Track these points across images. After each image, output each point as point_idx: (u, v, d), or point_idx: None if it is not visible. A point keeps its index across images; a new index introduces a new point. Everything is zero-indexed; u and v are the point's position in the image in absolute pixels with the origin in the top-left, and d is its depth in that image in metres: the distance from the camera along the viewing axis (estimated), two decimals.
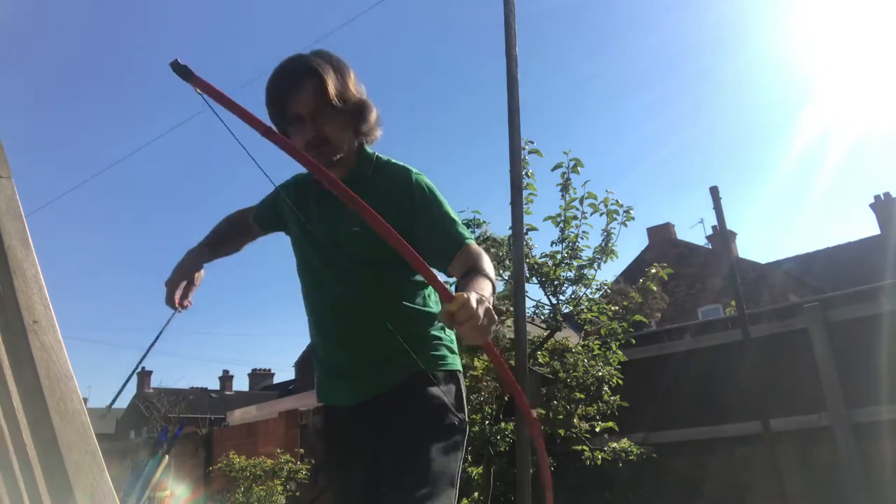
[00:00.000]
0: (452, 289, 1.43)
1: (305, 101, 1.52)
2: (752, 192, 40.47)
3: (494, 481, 4.80)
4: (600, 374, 4.90)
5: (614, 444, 5.12)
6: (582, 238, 4.81)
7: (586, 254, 4.83)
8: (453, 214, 1.59)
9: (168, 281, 1.79)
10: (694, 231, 48.17)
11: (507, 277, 5.00)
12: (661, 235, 21.34)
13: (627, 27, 47.23)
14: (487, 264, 1.45)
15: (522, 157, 4.10)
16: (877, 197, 22.55)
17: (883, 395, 4.93)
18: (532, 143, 4.45)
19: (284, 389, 30.02)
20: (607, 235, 4.87)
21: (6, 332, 1.19)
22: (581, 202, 4.76)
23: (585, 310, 4.86)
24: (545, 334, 5.02)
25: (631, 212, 4.86)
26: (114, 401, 1.93)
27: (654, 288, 5.27)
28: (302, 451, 8.42)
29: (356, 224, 1.53)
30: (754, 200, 39.29)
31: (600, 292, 5.09)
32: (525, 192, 4.21)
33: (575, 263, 4.81)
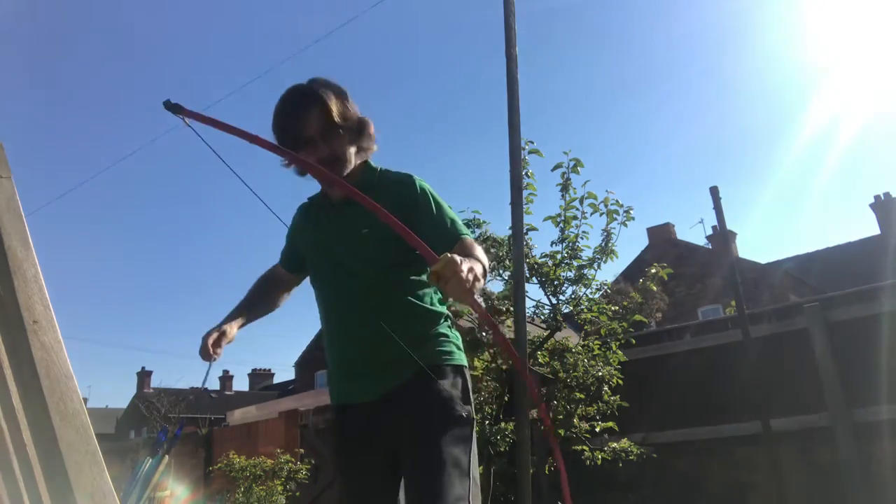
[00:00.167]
0: None
1: (314, 125, 1.68)
2: (752, 192, 40.48)
3: (494, 481, 4.80)
4: (600, 374, 4.89)
5: (614, 444, 5.12)
6: (582, 238, 4.81)
7: (586, 254, 4.83)
8: (452, 214, 1.73)
9: (204, 335, 1.83)
10: (694, 231, 48.18)
11: (507, 277, 5.00)
12: (661, 235, 21.34)
13: (628, 27, 47.25)
14: (480, 254, 1.57)
15: (522, 157, 4.10)
16: (877, 197, 22.56)
17: (883, 395, 4.92)
18: (532, 143, 4.45)
19: (284, 389, 30.03)
20: (607, 235, 4.87)
21: (6, 332, 1.19)
22: (581, 202, 4.76)
23: (585, 310, 4.86)
24: (545, 334, 5.02)
25: (631, 212, 4.86)
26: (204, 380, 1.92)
27: (654, 288, 5.27)
28: (302, 451, 8.41)
29: (365, 226, 1.66)
30: (754, 200, 39.30)
31: (600, 292, 5.09)
32: (525, 192, 4.21)
33: (575, 263, 4.81)
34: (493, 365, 4.84)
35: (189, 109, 1.49)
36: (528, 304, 4.56)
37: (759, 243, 43.07)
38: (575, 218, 4.78)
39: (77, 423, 1.15)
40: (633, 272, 15.27)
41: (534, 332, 4.97)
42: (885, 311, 5.16)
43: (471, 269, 1.29)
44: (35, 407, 1.14)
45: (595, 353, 5.03)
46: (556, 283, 4.89)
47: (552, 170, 4.81)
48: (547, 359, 5.00)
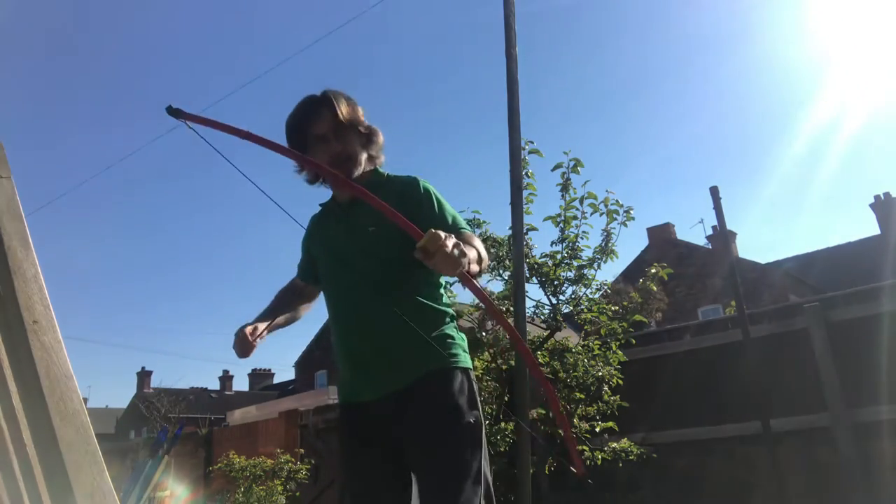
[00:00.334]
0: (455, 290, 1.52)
1: (327, 124, 1.76)
2: (752, 192, 40.46)
3: (494, 481, 4.80)
4: (600, 374, 4.89)
5: (614, 444, 5.12)
6: (582, 238, 4.81)
7: (586, 254, 4.83)
8: (454, 212, 1.78)
9: (240, 329, 1.84)
10: (694, 231, 48.17)
11: (507, 277, 5.00)
12: (661, 235, 21.33)
13: (628, 27, 47.26)
14: (478, 244, 1.62)
15: (522, 157, 4.10)
16: (877, 197, 22.55)
17: (883, 395, 4.92)
18: (532, 143, 4.45)
19: (284, 389, 30.02)
20: (607, 235, 4.87)
21: (6, 332, 1.19)
22: (581, 202, 4.76)
23: (585, 310, 4.86)
24: (545, 334, 5.02)
25: (631, 212, 4.86)
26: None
27: (654, 288, 5.27)
28: (302, 451, 8.41)
29: (371, 224, 1.71)
30: (754, 200, 39.29)
31: (600, 292, 5.09)
32: (525, 192, 4.21)
33: (575, 263, 4.81)
34: (493, 365, 4.84)
35: (190, 113, 1.52)
36: (528, 304, 4.56)
37: (759, 243, 43.10)
38: (575, 218, 4.78)
39: (77, 423, 1.15)
40: (633, 272, 15.26)
41: (534, 332, 4.97)
42: (885, 311, 5.16)
43: (456, 245, 1.32)
44: (35, 407, 1.14)
45: (595, 353, 5.03)
46: (556, 283, 4.89)
47: (552, 170, 4.81)
48: (547, 359, 5.00)
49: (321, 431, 8.89)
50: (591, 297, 4.92)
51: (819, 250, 22.74)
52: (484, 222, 5.08)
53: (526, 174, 4.35)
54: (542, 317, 5.17)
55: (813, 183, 38.17)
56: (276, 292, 2.06)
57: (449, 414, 1.60)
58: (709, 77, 43.73)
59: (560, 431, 4.88)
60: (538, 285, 4.95)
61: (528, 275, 4.71)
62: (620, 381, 5.01)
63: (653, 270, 5.23)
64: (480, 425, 1.63)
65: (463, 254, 1.34)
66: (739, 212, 37.28)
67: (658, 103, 45.00)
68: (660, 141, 42.78)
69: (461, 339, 1.76)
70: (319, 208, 1.98)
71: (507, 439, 4.36)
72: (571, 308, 4.93)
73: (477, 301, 4.04)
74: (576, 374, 4.87)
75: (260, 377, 37.81)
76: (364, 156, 1.82)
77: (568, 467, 1.54)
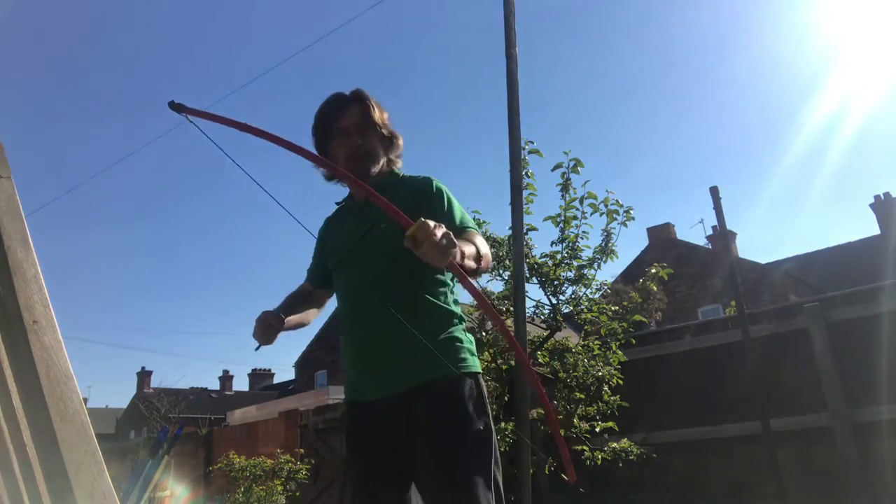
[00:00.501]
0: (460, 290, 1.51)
1: (352, 118, 1.80)
2: (752, 192, 40.47)
3: None
4: (600, 374, 4.90)
5: (614, 444, 5.12)
6: (582, 238, 4.81)
7: (586, 254, 4.83)
8: (463, 213, 1.79)
9: (262, 315, 1.80)
10: (694, 231, 48.20)
11: (507, 277, 5.00)
12: (661, 235, 21.32)
13: (628, 27, 47.25)
14: (481, 243, 1.61)
15: (522, 157, 4.10)
16: (877, 197, 22.54)
17: (883, 395, 4.93)
18: (532, 143, 4.45)
19: (284, 389, 30.02)
20: (607, 235, 4.87)
21: (6, 332, 1.19)
22: (581, 202, 4.76)
23: (585, 310, 4.86)
24: (545, 334, 5.03)
25: (631, 212, 4.86)
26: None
27: (654, 288, 5.27)
28: (302, 451, 8.41)
29: (384, 220, 1.71)
30: (754, 200, 39.29)
31: (600, 292, 5.09)
32: (525, 193, 4.22)
33: (575, 263, 4.82)
34: (493, 365, 4.84)
35: (192, 108, 1.53)
36: (528, 304, 4.56)
37: (759, 243, 43.05)
38: (575, 218, 4.78)
39: (77, 423, 1.15)
40: (633, 272, 15.26)
41: (534, 332, 4.97)
42: (885, 311, 5.16)
43: (446, 235, 1.31)
44: (35, 407, 1.14)
45: (595, 353, 5.03)
46: (556, 283, 4.89)
47: (552, 170, 4.81)
48: (547, 359, 5.01)
49: (321, 431, 8.89)
50: (591, 297, 4.92)
51: (819, 250, 22.74)
52: (484, 222, 5.08)
53: (526, 174, 4.35)
54: (542, 317, 5.17)
55: (813, 183, 38.16)
56: (285, 297, 2.02)
57: (459, 423, 1.58)
58: (709, 77, 43.75)
59: (561, 431, 4.88)
60: (538, 285, 4.95)
61: (528, 275, 4.71)
62: (620, 381, 5.01)
63: (653, 270, 5.23)
64: (491, 431, 1.61)
65: (453, 244, 1.33)
66: (739, 212, 37.33)
67: (658, 103, 45.02)
68: (660, 141, 42.79)
69: (469, 342, 1.74)
70: (335, 206, 1.98)
71: (508, 439, 4.36)
72: (571, 308, 4.93)
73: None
74: (576, 374, 4.87)
75: (260, 377, 37.81)
76: (384, 157, 1.85)
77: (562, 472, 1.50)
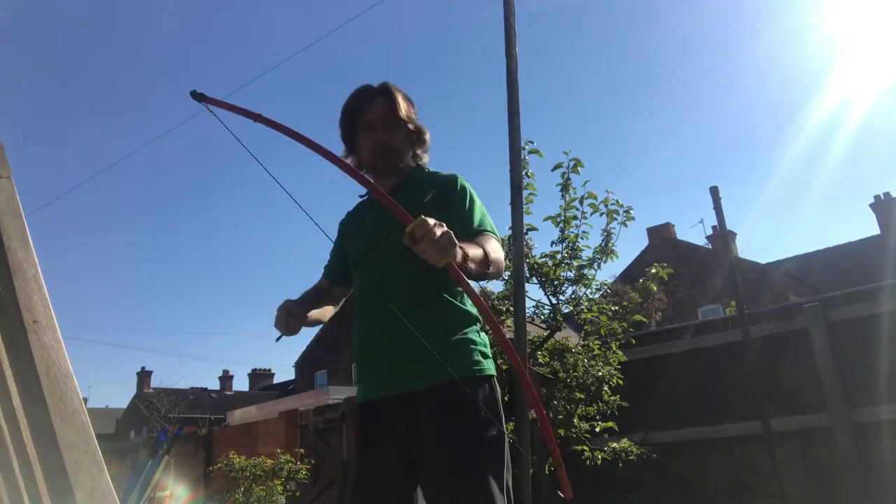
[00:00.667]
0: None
1: (378, 111, 1.78)
2: (752, 192, 40.48)
3: None
4: (600, 374, 4.90)
5: (614, 444, 5.12)
6: (582, 238, 4.81)
7: (586, 254, 4.83)
8: (484, 214, 1.76)
9: (284, 304, 1.74)
10: (694, 231, 48.21)
11: (507, 277, 5.00)
12: (661, 235, 21.32)
13: (627, 27, 47.25)
14: (493, 248, 1.57)
15: (522, 157, 4.10)
16: (877, 197, 22.54)
17: (883, 395, 4.93)
18: (532, 142, 4.45)
19: (284, 389, 30.02)
20: (607, 235, 4.87)
21: (6, 332, 1.19)
22: (581, 202, 4.76)
23: (585, 310, 4.86)
24: (545, 334, 5.02)
25: (631, 212, 4.86)
26: None
27: (654, 288, 5.27)
28: (302, 451, 8.41)
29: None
30: (754, 200, 39.29)
31: (600, 292, 5.09)
32: (525, 193, 4.21)
33: (575, 263, 4.82)
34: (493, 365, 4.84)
35: (212, 98, 1.54)
36: (528, 304, 4.56)
37: (759, 243, 43.08)
38: (575, 218, 4.78)
39: (77, 423, 1.15)
40: (633, 272, 15.26)
41: (534, 332, 4.97)
42: (885, 311, 5.16)
43: (446, 234, 1.28)
44: (35, 407, 1.13)
45: (595, 353, 5.03)
46: (556, 283, 4.89)
47: (552, 170, 4.81)
48: (547, 359, 5.00)
49: (321, 431, 8.89)
50: (591, 297, 4.92)
51: (819, 250, 22.75)
52: None
53: (526, 174, 4.35)
54: (542, 317, 5.17)
55: (813, 183, 38.16)
56: (303, 293, 1.94)
57: (471, 426, 1.55)
58: (709, 77, 43.75)
59: (561, 431, 4.89)
60: (538, 285, 4.95)
61: (528, 275, 4.71)
62: (620, 381, 5.01)
63: (653, 270, 5.23)
64: (503, 435, 1.59)
65: (453, 244, 1.30)
66: (739, 212, 37.35)
67: (658, 103, 45.03)
68: (660, 141, 42.79)
69: (484, 345, 1.71)
70: (358, 199, 1.95)
71: (508, 439, 4.36)
72: (571, 308, 4.93)
73: None
74: (576, 374, 4.87)
75: (260, 377, 37.81)
76: (409, 152, 1.84)
77: (567, 467, 1.48)
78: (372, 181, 1.54)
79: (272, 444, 9.07)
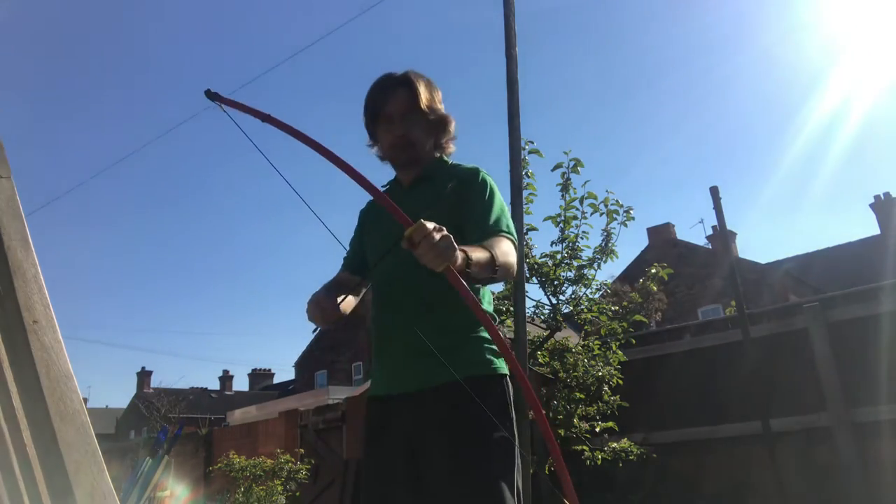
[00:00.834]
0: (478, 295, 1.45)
1: (398, 104, 1.75)
2: (752, 192, 40.48)
3: None
4: (600, 374, 4.90)
5: (614, 444, 5.12)
6: (582, 238, 4.81)
7: (586, 254, 4.84)
8: (502, 211, 1.72)
9: (318, 297, 1.71)
10: (694, 231, 48.19)
11: None
12: (661, 235, 21.32)
13: (627, 27, 47.25)
14: (504, 253, 1.52)
15: (522, 157, 4.10)
16: (877, 197, 22.54)
17: (883, 395, 4.92)
18: (532, 143, 4.46)
19: (284, 389, 30.03)
20: (607, 235, 4.88)
21: (6, 332, 1.19)
22: (581, 202, 4.76)
23: (585, 310, 4.86)
24: (545, 334, 5.03)
25: (631, 212, 4.86)
26: None
27: (654, 288, 5.28)
28: (302, 451, 8.41)
29: (425, 207, 1.66)
30: (754, 200, 39.30)
31: (600, 292, 5.10)
32: (525, 193, 4.22)
33: (575, 263, 4.82)
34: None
35: (231, 100, 1.56)
36: (528, 304, 4.57)
37: (759, 243, 43.06)
38: (575, 218, 4.78)
39: (77, 423, 1.15)
40: (633, 272, 15.26)
41: (534, 332, 4.97)
42: (885, 311, 5.16)
43: (445, 238, 1.26)
44: (35, 407, 1.14)
45: (595, 353, 5.03)
46: (556, 283, 4.89)
47: (552, 170, 4.82)
48: (547, 359, 5.01)
49: (321, 431, 8.89)
50: (591, 297, 4.92)
51: (819, 250, 22.74)
52: None
53: (526, 174, 4.35)
54: (542, 317, 5.17)
55: (813, 183, 38.16)
56: (323, 286, 1.87)
57: (481, 426, 1.53)
58: (709, 77, 43.75)
59: (561, 431, 4.89)
60: (538, 285, 4.95)
61: (528, 275, 4.71)
62: (620, 381, 5.01)
63: (653, 270, 5.23)
64: (514, 435, 1.58)
65: (452, 248, 1.27)
66: (739, 212, 37.34)
67: (658, 103, 45.03)
68: (660, 141, 42.79)
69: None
70: (381, 188, 1.90)
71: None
72: (571, 308, 4.93)
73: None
74: (576, 374, 4.87)
75: (260, 377, 37.82)
76: (431, 142, 1.81)
77: (567, 467, 1.45)
78: (374, 184, 1.50)
79: (272, 444, 9.07)
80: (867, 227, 36.73)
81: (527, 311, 3.75)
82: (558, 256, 4.83)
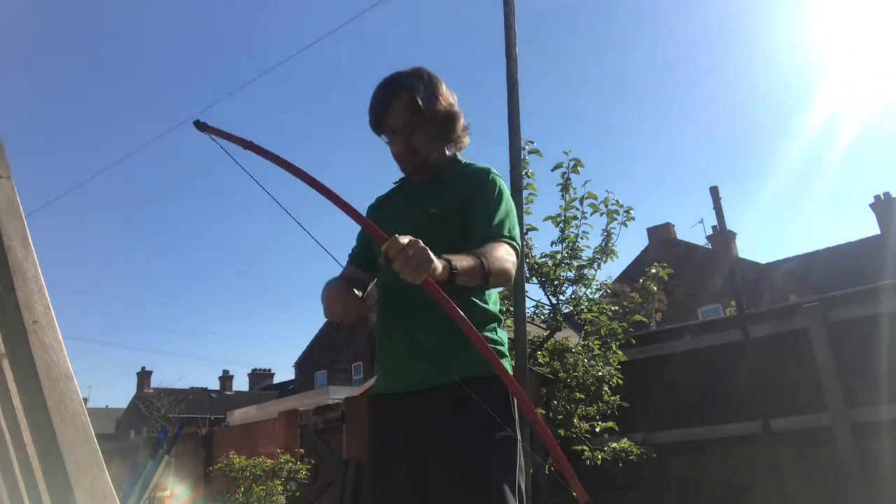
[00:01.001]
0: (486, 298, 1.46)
1: (397, 115, 1.73)
2: (752, 192, 40.47)
3: None
4: (600, 374, 4.90)
5: (614, 444, 5.12)
6: (582, 238, 4.82)
7: (586, 254, 4.84)
8: (507, 215, 1.69)
9: (330, 290, 1.73)
10: (694, 231, 48.14)
11: None
12: (661, 235, 21.32)
13: (628, 27, 47.25)
14: (498, 255, 1.52)
15: (522, 157, 4.10)
16: (877, 197, 22.53)
17: (883, 395, 4.92)
18: (532, 143, 4.46)
19: (284, 389, 30.04)
20: (607, 235, 4.88)
21: (6, 332, 1.19)
22: (581, 202, 4.76)
23: (585, 310, 4.86)
24: (545, 334, 5.03)
25: (631, 212, 4.87)
26: None
27: (655, 288, 5.28)
28: (302, 451, 8.42)
29: (434, 206, 1.70)
30: (754, 200, 39.28)
31: (600, 292, 5.10)
32: (525, 193, 4.22)
33: (575, 263, 4.82)
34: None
35: (215, 127, 1.58)
36: (528, 304, 4.57)
37: (759, 243, 43.05)
38: (575, 218, 4.79)
39: (77, 423, 1.15)
40: (633, 272, 15.26)
41: (534, 332, 4.98)
42: (885, 311, 5.16)
43: (420, 251, 1.28)
44: (35, 407, 1.14)
45: (595, 353, 5.03)
46: (556, 283, 4.89)
47: (552, 170, 4.82)
48: (547, 359, 5.01)
49: (321, 431, 8.90)
50: (591, 297, 4.92)
51: (819, 250, 22.75)
52: None
53: (526, 174, 4.36)
54: (542, 317, 5.17)
55: (813, 183, 38.16)
56: (330, 281, 1.84)
57: (483, 425, 1.53)
58: (709, 76, 43.75)
59: (561, 431, 4.89)
60: (538, 285, 4.95)
61: (528, 275, 4.71)
62: (620, 381, 5.01)
63: (653, 270, 5.24)
64: (516, 436, 1.57)
65: (427, 262, 1.28)
66: (739, 212, 37.29)
67: (658, 103, 45.03)
68: (659, 141, 42.78)
69: (502, 343, 1.69)
70: (393, 184, 1.93)
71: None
72: (571, 308, 4.93)
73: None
74: (576, 374, 4.87)
75: (260, 377, 37.83)
76: (438, 143, 1.78)
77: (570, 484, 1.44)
78: (353, 207, 1.47)
79: (272, 444, 9.06)
80: (867, 227, 36.76)
81: (527, 311, 3.76)
82: (558, 256, 4.83)
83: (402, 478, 1.62)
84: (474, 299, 1.67)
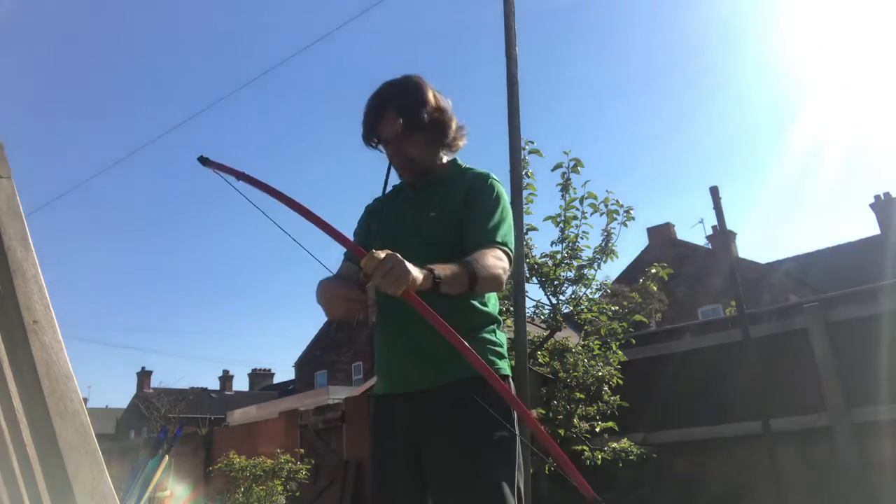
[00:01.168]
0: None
1: (390, 128, 1.73)
2: (752, 192, 40.49)
3: None
4: (600, 374, 4.90)
5: (614, 444, 5.12)
6: (582, 238, 4.82)
7: (586, 254, 4.84)
8: (502, 220, 1.69)
9: (327, 288, 1.69)
10: (694, 231, 48.14)
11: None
12: (661, 235, 21.32)
13: (627, 27, 47.25)
14: (486, 263, 1.51)
15: (522, 157, 4.10)
16: (877, 197, 22.52)
17: (883, 395, 4.92)
18: (532, 142, 4.46)
19: (284, 389, 30.04)
20: (607, 235, 4.88)
21: (6, 332, 1.19)
22: (581, 202, 4.77)
23: (585, 310, 4.86)
24: (545, 334, 5.03)
25: (631, 212, 4.87)
26: None
27: (655, 288, 5.28)
28: (302, 451, 8.41)
29: (434, 210, 1.72)
30: (754, 200, 39.30)
31: (600, 292, 5.10)
32: (525, 193, 4.22)
33: (575, 263, 4.82)
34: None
35: (218, 163, 1.61)
36: (529, 304, 4.57)
37: (759, 243, 43.07)
38: (575, 218, 4.79)
39: (77, 423, 1.15)
40: (633, 272, 15.26)
41: (534, 332, 4.98)
42: (884, 311, 5.16)
43: (396, 265, 1.29)
44: (35, 407, 1.14)
45: (595, 353, 5.03)
46: (556, 283, 4.89)
47: (552, 170, 4.82)
48: (547, 359, 5.01)
49: (321, 431, 8.89)
50: (591, 297, 4.92)
51: (819, 250, 22.74)
52: None
53: (526, 174, 4.36)
54: (542, 317, 5.17)
55: (813, 183, 38.17)
56: (327, 279, 1.76)
57: (482, 425, 1.54)
58: (709, 77, 43.75)
59: (561, 431, 4.89)
60: (538, 285, 4.96)
61: (528, 275, 4.71)
62: (620, 381, 5.01)
63: (653, 270, 5.24)
64: (514, 436, 1.58)
65: (405, 274, 1.30)
66: (739, 212, 37.31)
67: (658, 103, 45.03)
68: (660, 141, 42.79)
69: (501, 345, 1.70)
70: (392, 187, 1.92)
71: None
72: (571, 308, 4.93)
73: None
74: (576, 374, 4.87)
75: (260, 377, 37.82)
76: (434, 149, 1.79)
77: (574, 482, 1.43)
78: (343, 234, 1.48)
79: (272, 445, 9.06)
80: (867, 227, 36.76)
81: (527, 311, 3.75)
82: (558, 256, 4.83)
83: (402, 478, 1.63)
84: (473, 302, 1.68)
